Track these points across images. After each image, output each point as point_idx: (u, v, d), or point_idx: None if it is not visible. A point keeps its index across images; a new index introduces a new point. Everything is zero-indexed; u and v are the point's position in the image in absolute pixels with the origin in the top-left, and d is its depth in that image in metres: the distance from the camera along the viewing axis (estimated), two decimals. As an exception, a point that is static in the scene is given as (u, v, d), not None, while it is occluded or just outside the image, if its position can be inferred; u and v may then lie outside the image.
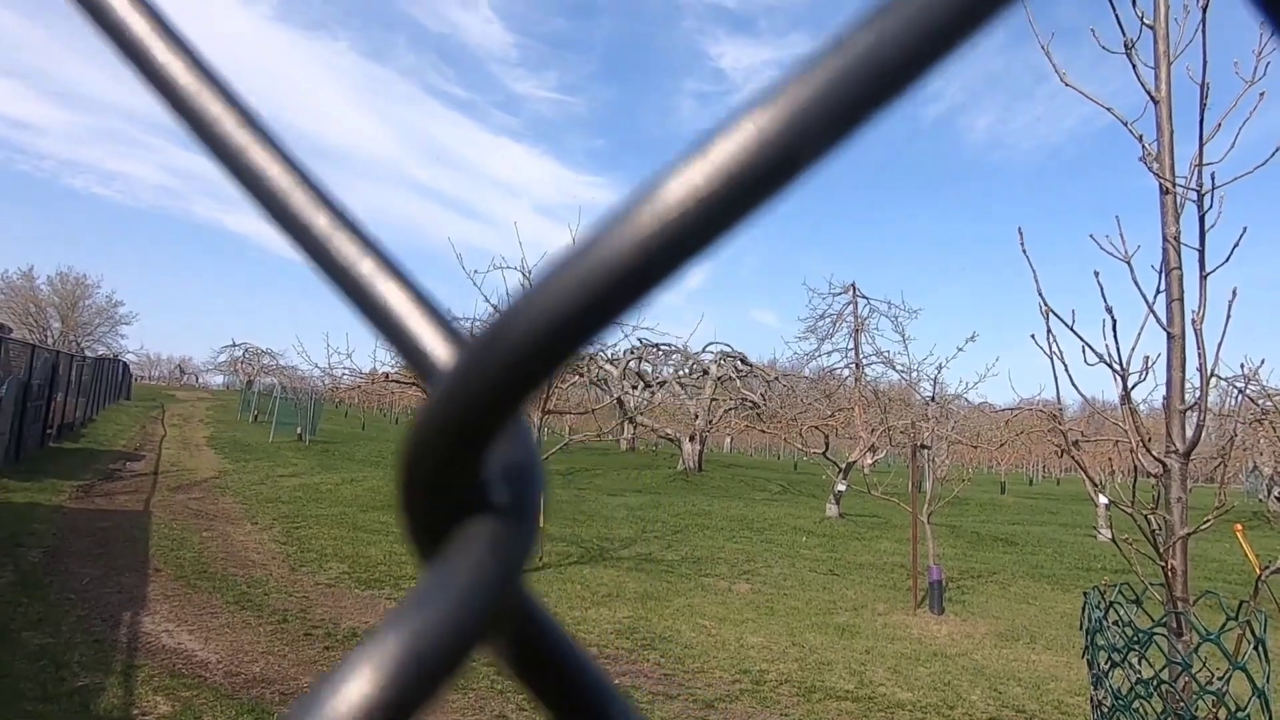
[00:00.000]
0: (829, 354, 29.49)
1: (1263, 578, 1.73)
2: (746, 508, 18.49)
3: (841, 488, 17.47)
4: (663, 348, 30.23)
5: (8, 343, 13.84)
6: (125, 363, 48.46)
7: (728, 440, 53.94)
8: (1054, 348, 1.88)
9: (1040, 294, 1.85)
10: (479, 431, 0.16)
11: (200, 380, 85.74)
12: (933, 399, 15.56)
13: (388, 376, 17.45)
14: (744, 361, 30.59)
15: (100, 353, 53.07)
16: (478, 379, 0.15)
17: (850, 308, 28.78)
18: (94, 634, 5.82)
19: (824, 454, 18.43)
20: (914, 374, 20.61)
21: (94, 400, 25.50)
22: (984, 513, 24.83)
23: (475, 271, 10.50)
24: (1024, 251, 1.91)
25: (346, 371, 17.00)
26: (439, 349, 0.20)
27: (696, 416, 27.54)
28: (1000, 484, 39.72)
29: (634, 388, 29.91)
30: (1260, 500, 27.25)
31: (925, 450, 10.29)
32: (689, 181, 0.15)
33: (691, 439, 27.21)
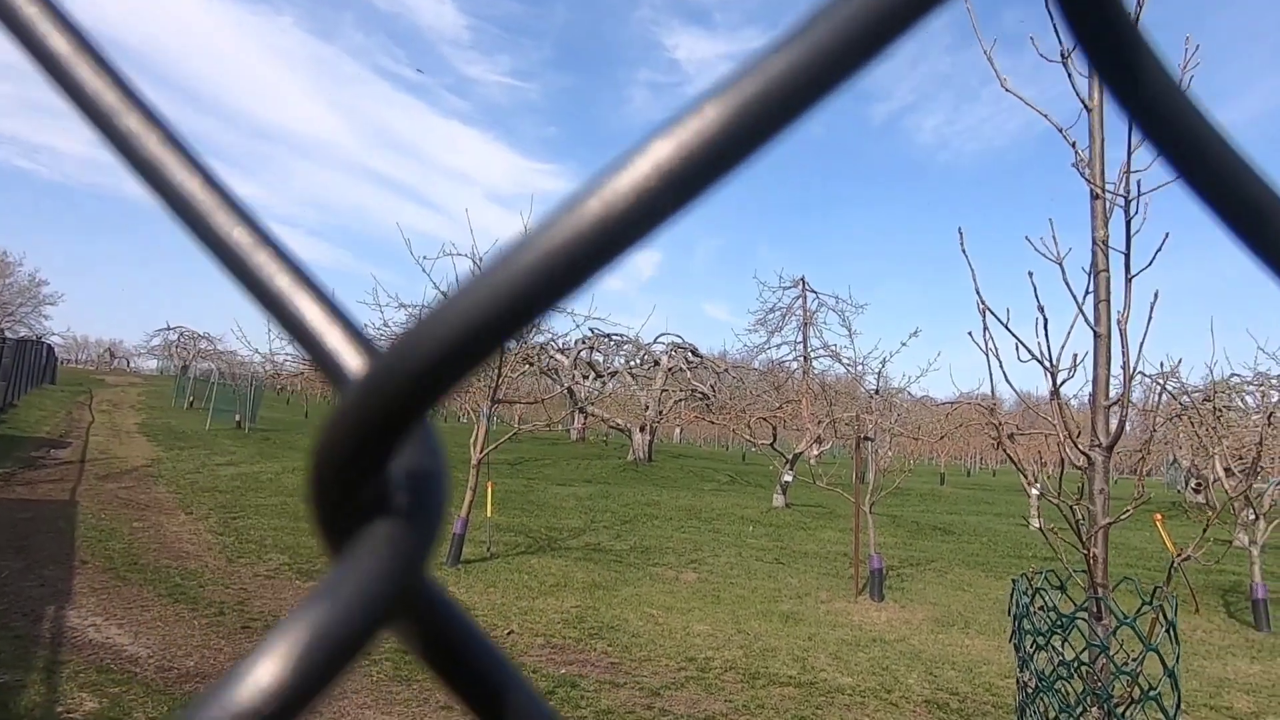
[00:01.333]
0: (778, 347, 29.94)
1: (1175, 565, 1.83)
2: (695, 498, 18.67)
3: (788, 479, 17.78)
4: (614, 338, 30.23)
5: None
6: (49, 345, 46.13)
7: (677, 431, 54.31)
8: (990, 344, 1.96)
9: (978, 292, 1.92)
10: (383, 438, 0.17)
11: (132, 365, 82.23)
12: (877, 392, 15.97)
13: (332, 363, 17.04)
14: (695, 353, 30.81)
15: (22, 334, 50.44)
16: (383, 388, 0.16)
17: (799, 301, 29.24)
18: (13, 630, 5.56)
19: (772, 445, 18.72)
20: (859, 367, 21.08)
21: (15, 384, 24.23)
22: (924, 503, 25.61)
23: (424, 258, 10.31)
24: (964, 251, 1.99)
25: (289, 357, 16.52)
26: (351, 358, 0.21)
27: (647, 407, 27.65)
28: (940, 475, 40.98)
29: (585, 378, 29.85)
30: (1179, 491, 28.73)
31: (869, 442, 10.54)
32: (601, 198, 0.16)
33: (642, 429, 27.31)
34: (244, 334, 28.89)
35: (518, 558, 9.78)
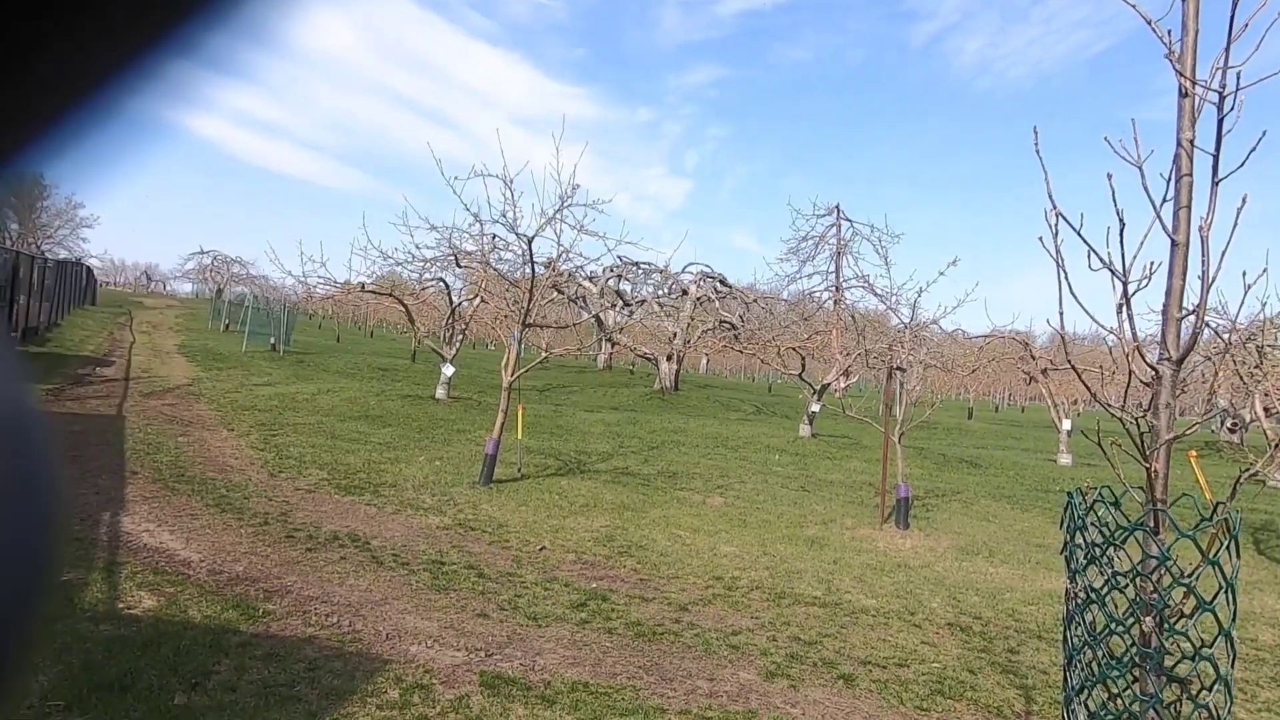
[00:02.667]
0: (809, 276, 29.48)
1: (1241, 481, 1.79)
2: (721, 426, 18.81)
3: (815, 409, 17.79)
4: (642, 267, 29.98)
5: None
6: (89, 267, 47.06)
7: (704, 361, 54.36)
8: (1058, 255, 1.87)
9: (1050, 196, 1.82)
10: None
11: (168, 288, 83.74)
12: (909, 323, 15.71)
13: (363, 287, 17.16)
14: (723, 283, 30.50)
15: (62, 256, 51.38)
16: None
17: (834, 230, 28.61)
18: (73, 532, 5.84)
19: (799, 375, 18.67)
20: (894, 298, 20.70)
21: (58, 305, 24.85)
22: (951, 436, 25.57)
23: (455, 178, 10.19)
24: (1037, 152, 1.87)
25: (321, 280, 16.65)
26: None
27: (674, 336, 27.62)
28: (968, 409, 40.74)
29: (613, 306, 29.80)
30: (1213, 432, 28.33)
31: (900, 373, 10.45)
32: None
33: (669, 359, 27.37)
34: (277, 257, 29.11)
35: (548, 479, 9.99)
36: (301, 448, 10.22)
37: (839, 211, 28.61)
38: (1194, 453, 11.35)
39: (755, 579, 6.62)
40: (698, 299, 29.12)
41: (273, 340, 25.54)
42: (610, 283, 29.78)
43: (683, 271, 29.66)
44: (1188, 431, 1.93)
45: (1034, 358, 15.40)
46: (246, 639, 4.33)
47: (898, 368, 10.02)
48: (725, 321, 29.18)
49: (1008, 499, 12.24)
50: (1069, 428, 18.24)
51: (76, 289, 33.60)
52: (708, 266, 30.63)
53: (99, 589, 4.82)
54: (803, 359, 18.53)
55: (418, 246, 20.28)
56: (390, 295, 18.68)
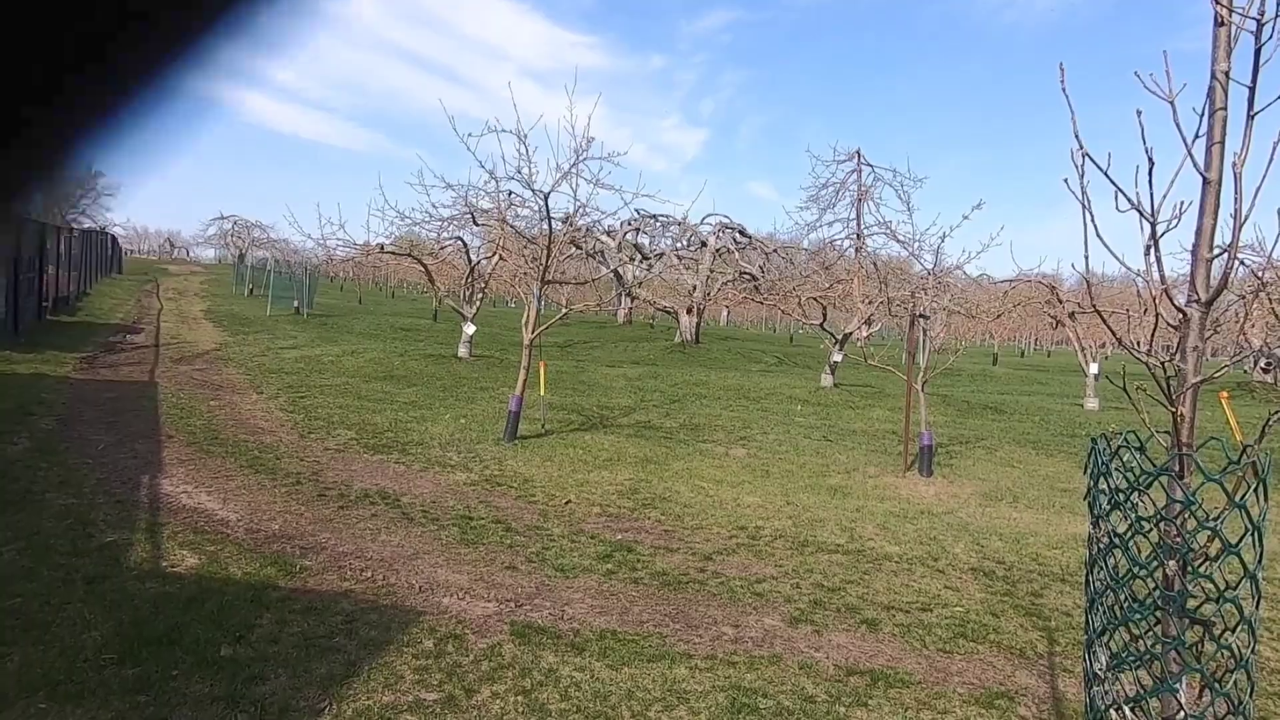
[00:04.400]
0: (830, 224, 29.01)
1: (1270, 422, 1.76)
2: (743, 378, 18.81)
3: (837, 358, 17.70)
4: (660, 219, 29.69)
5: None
6: (113, 236, 47.56)
7: (724, 313, 54.10)
8: (1085, 197, 1.81)
9: (1076, 135, 1.75)
10: None
11: (191, 254, 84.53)
12: (932, 271, 15.46)
13: (382, 248, 17.21)
14: (742, 233, 30.14)
15: (86, 225, 51.92)
16: None
17: (854, 176, 28.02)
18: (115, 495, 6.04)
19: (821, 325, 18.53)
20: (916, 244, 20.35)
21: (86, 274, 25.24)
22: (975, 383, 25.35)
23: (469, 135, 10.09)
24: (1064, 90, 1.80)
25: (340, 243, 16.72)
26: None
27: (694, 289, 27.47)
28: (993, 355, 40.28)
29: (631, 260, 29.63)
30: (1245, 372, 27.81)
31: (923, 320, 10.33)
32: None
33: (689, 312, 27.27)
34: (296, 221, 29.16)
35: (571, 434, 10.11)
36: (329, 409, 10.41)
37: (860, 157, 27.97)
38: (1225, 394, 11.18)
39: (779, 528, 6.69)
40: (717, 250, 28.85)
41: (296, 304, 25.81)
42: (628, 237, 29.56)
43: (701, 223, 29.34)
44: (1216, 375, 1.90)
45: (1060, 301, 15.11)
46: (285, 594, 4.48)
47: (920, 315, 9.91)
48: (745, 273, 28.93)
49: (1032, 444, 12.18)
50: (1096, 372, 18.00)
51: (103, 258, 34.07)
52: (726, 217, 30.26)
53: (143, 549, 5.00)
54: (824, 309, 18.38)
55: (434, 205, 20.25)
56: (409, 255, 18.72)
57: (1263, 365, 25.50)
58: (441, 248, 20.00)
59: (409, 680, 3.63)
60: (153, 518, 5.62)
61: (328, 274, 46.31)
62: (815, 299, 19.49)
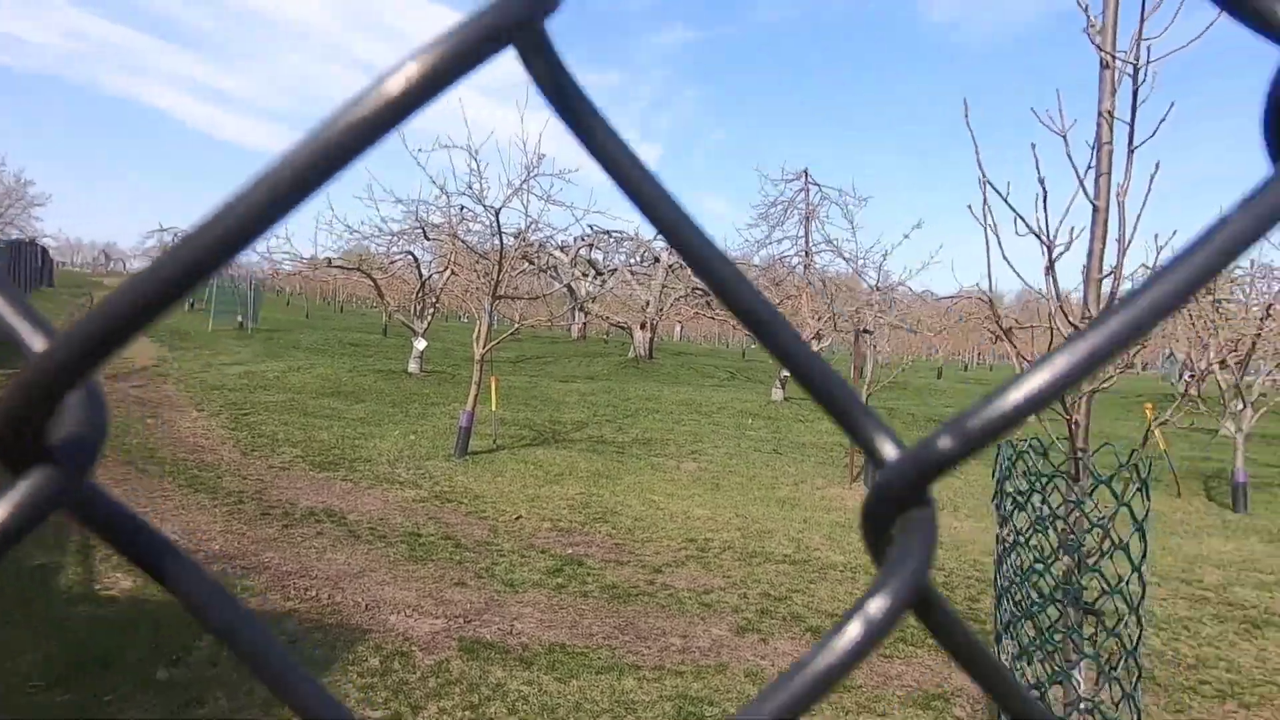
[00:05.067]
0: (779, 241, 29.60)
1: (1151, 429, 1.92)
2: (695, 393, 18.99)
3: (787, 373, 18.00)
4: (614, 235, 29.86)
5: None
6: (44, 248, 45.65)
7: (678, 328, 54.51)
8: (989, 220, 1.97)
9: (979, 165, 1.92)
10: (49, 396, 0.21)
11: (128, 267, 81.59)
12: (877, 287, 15.93)
13: (330, 262, 16.93)
14: (695, 250, 30.43)
15: (15, 236, 49.78)
16: (50, 361, 0.20)
17: (802, 195, 28.66)
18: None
19: (771, 341, 18.84)
20: (861, 261, 20.89)
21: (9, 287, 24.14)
22: (920, 396, 26.04)
23: (419, 150, 10.06)
24: (967, 124, 1.97)
25: (286, 256, 16.39)
26: (33, 339, 0.25)
27: (648, 304, 27.66)
28: (938, 369, 41.42)
29: (585, 275, 29.70)
30: (1172, 384, 29.18)
31: (868, 335, 10.64)
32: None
33: (642, 327, 27.44)
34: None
35: (523, 449, 10.08)
36: (274, 426, 10.18)
37: (807, 176, 28.66)
38: (1150, 405, 11.73)
39: (727, 540, 6.80)
40: (670, 266, 29.13)
41: (240, 318, 25.14)
42: (582, 252, 29.65)
43: (655, 239, 29.60)
44: (1104, 386, 2.07)
45: (997, 317, 15.66)
46: (226, 615, 4.39)
47: (864, 330, 10.21)
48: (697, 288, 29.26)
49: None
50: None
51: (32, 270, 32.68)
52: (679, 233, 30.52)
53: (75, 572, 4.83)
54: (774, 324, 18.69)
55: (384, 220, 20.00)
56: (358, 270, 18.45)
57: (1188, 378, 26.80)
58: (391, 262, 19.76)
59: (353, 699, 3.60)
60: (85, 539, 5.43)
61: (274, 288, 45.21)
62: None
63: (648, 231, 30.50)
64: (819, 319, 18.07)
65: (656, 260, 29.41)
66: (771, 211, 29.17)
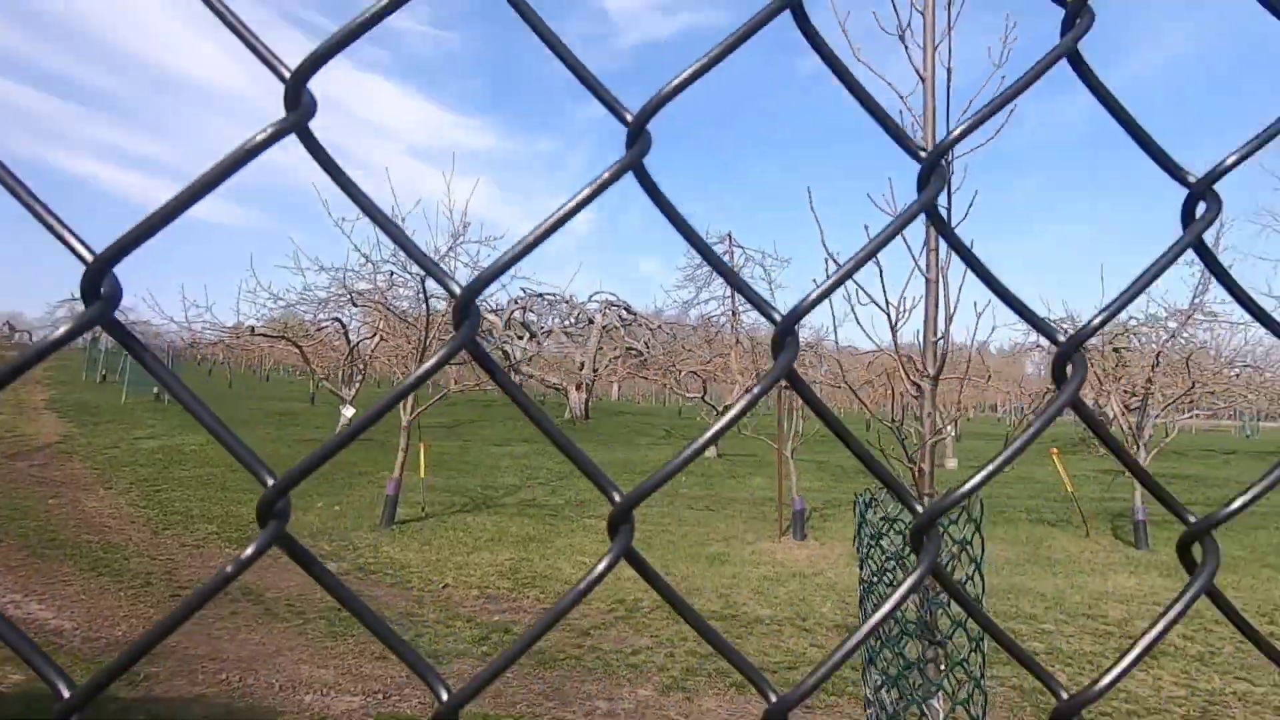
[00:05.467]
0: (706, 302, 30.42)
1: (987, 476, 2.14)
2: (631, 452, 19.05)
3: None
4: (547, 297, 30.12)
5: None
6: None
7: (615, 388, 54.71)
8: (845, 293, 2.22)
9: (824, 244, 2.18)
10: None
11: (34, 338, 77.23)
12: (808, 344, 16.57)
13: (253, 330, 16.54)
14: (628, 310, 31.01)
15: (-93, 309, 46.84)
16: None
17: (727, 257, 29.68)
18: (-73, 610, 5.43)
19: (702, 398, 19.18)
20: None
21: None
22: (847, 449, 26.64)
23: (343, 219, 10.11)
24: (812, 209, 2.23)
25: (207, 325, 15.93)
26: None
27: (582, 366, 27.82)
28: (866, 422, 42.52)
29: (519, 338, 29.73)
30: (1081, 430, 30.78)
31: (790, 391, 10.98)
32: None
33: (578, 388, 27.51)
34: (156, 303, 27.46)
35: (453, 516, 9.92)
36: (189, 501, 9.76)
37: (730, 239, 29.75)
38: (1056, 450, 12.37)
39: (656, 599, 6.82)
40: (605, 327, 29.48)
41: (156, 390, 24.10)
42: (515, 315, 29.74)
43: (589, 301, 30.00)
44: (940, 437, 2.30)
45: (912, 371, 16.46)
46: (126, 704, 4.18)
47: (787, 386, 10.54)
48: (631, 349, 29.63)
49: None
50: (955, 434, 19.49)
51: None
52: (613, 295, 31.09)
53: (-42, 667, 4.53)
54: (704, 382, 19.08)
55: (307, 288, 19.73)
56: (284, 338, 18.06)
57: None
58: (319, 329, 19.42)
59: (262, 784, 3.47)
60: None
61: (195, 358, 43.54)
62: (694, 372, 20.22)
63: (582, 294, 30.89)
64: (746, 375, 18.52)
65: (591, 322, 29.74)
66: (698, 273, 30.03)
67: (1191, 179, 0.46)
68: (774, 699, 0.43)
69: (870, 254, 0.44)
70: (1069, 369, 0.43)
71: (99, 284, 0.38)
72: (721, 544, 9.27)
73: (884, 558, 2.10)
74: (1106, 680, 0.42)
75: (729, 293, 28.65)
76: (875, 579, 2.13)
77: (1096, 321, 0.43)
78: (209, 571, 6.88)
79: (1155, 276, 0.46)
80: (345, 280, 13.58)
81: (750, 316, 27.50)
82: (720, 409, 18.41)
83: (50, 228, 0.39)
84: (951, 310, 2.11)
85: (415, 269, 9.70)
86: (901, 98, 2.38)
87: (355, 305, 16.01)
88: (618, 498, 0.44)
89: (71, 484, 10.62)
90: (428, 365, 0.40)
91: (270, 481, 0.39)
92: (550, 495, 12.10)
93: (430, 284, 9.60)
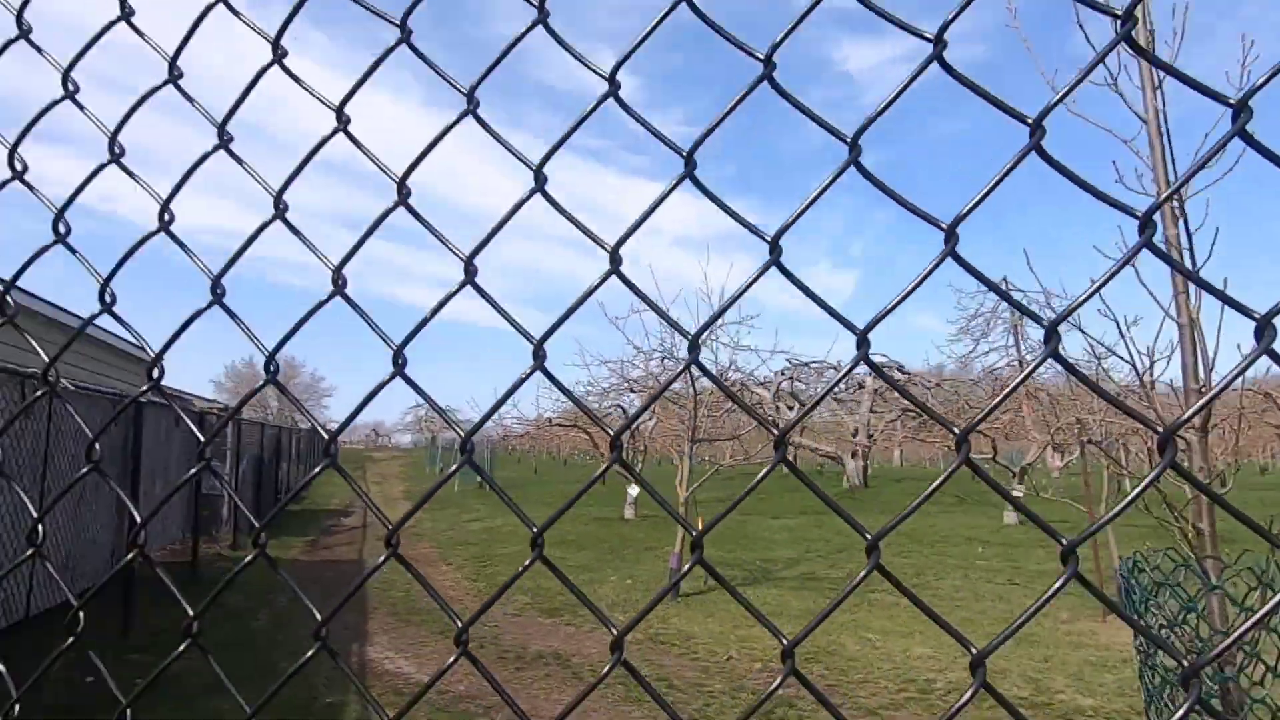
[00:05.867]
0: (986, 354, 27.80)
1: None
2: (917, 520, 17.84)
3: (1017, 493, 16.46)
4: (813, 365, 29.87)
5: (242, 423, 16.41)
6: (331, 430, 54.43)
7: (897, 453, 51.69)
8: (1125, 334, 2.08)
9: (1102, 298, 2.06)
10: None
11: (392, 440, 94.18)
12: (1121, 393, 14.37)
13: (550, 421, 18.75)
14: (901, 370, 29.53)
15: (307, 425, 59.91)
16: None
17: (1004, 303, 27.10)
18: (331, 662, 6.92)
19: (993, 459, 17.48)
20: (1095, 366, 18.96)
21: (309, 466, 29.15)
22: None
23: (616, 318, 11.29)
24: (1031, 269, 2.13)
25: (514, 419, 18.45)
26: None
27: (855, 432, 26.91)
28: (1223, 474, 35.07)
29: (789, 409, 29.71)
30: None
31: (1094, 445, 9.70)
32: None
33: (853, 455, 26.59)
34: (476, 404, 32.35)
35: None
36: (508, 576, 11.20)
37: (1005, 282, 27.13)
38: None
39: (953, 680, 6.34)
40: (876, 391, 28.36)
41: (479, 479, 28.08)
42: (783, 386, 29.88)
43: (855, 363, 29.17)
44: (1225, 490, 1.97)
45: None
46: (470, 749, 4.93)
47: (1090, 440, 9.34)
48: (907, 410, 28.03)
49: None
50: (1227, 486, 15.32)
51: (321, 451, 39.07)
52: (884, 355, 29.89)
53: (355, 709, 5.71)
54: (993, 441, 17.41)
55: (592, 381, 21.92)
56: (575, 426, 20.16)
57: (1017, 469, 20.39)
58: (604, 416, 21.39)
59: (577, 831, 3.89)
60: (361, 682, 6.39)
61: (506, 448, 49.88)
62: (982, 432, 18.54)
63: (846, 357, 30.18)
64: (1048, 430, 16.53)
65: (861, 386, 28.83)
66: (972, 325, 27.72)
67: None
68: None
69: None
70: None
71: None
72: (1030, 623, 8.29)
73: (1159, 624, 1.87)
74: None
75: (1012, 341, 26.02)
76: (1151, 649, 1.90)
77: None
78: (527, 637, 7.85)
79: None
80: (623, 370, 14.96)
81: (1043, 368, 24.62)
82: (1016, 470, 16.60)
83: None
84: (1213, 355, 1.88)
85: (680, 354, 10.46)
86: (1126, 142, 2.23)
87: (632, 392, 17.46)
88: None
89: (422, 561, 12.78)
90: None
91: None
92: (829, 569, 11.81)
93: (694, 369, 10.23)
